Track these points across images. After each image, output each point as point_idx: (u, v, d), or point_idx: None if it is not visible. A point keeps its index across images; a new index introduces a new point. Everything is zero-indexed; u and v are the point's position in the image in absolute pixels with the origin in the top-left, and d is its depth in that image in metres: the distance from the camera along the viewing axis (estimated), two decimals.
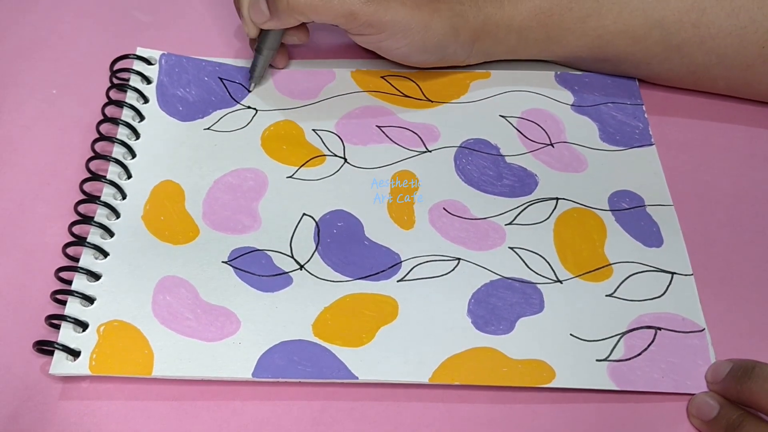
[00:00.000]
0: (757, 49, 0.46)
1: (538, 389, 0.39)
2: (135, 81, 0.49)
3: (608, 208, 0.45)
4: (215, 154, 0.47)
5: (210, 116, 0.48)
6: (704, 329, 0.41)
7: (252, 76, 0.49)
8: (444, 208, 0.45)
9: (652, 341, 0.40)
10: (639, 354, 0.40)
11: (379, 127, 0.48)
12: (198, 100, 0.49)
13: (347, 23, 0.45)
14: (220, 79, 0.50)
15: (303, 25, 0.49)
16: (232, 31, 0.54)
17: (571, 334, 0.40)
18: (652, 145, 0.48)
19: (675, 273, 0.43)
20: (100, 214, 0.43)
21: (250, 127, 0.48)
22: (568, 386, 0.39)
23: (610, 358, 0.40)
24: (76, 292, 0.40)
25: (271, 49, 0.49)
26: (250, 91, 0.50)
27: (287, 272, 0.42)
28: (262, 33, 0.48)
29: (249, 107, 0.49)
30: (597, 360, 0.39)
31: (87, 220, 0.42)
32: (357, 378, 0.38)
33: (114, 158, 0.45)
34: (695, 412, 0.38)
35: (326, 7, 0.44)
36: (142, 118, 0.47)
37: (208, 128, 0.48)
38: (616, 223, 0.45)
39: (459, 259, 0.43)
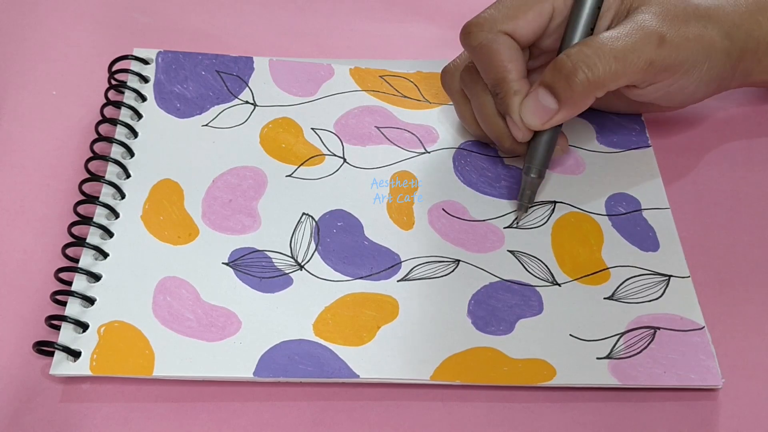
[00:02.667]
0: None
1: (538, 388, 0.39)
2: (132, 81, 0.48)
3: (605, 213, 0.46)
4: (214, 151, 0.46)
5: (208, 112, 0.48)
6: (704, 327, 0.41)
7: (521, 204, 0.44)
8: (443, 209, 0.45)
9: (652, 340, 0.40)
10: (639, 351, 0.40)
11: (377, 128, 0.48)
12: (196, 96, 0.49)
13: (644, 76, 0.41)
14: (218, 72, 0.50)
15: (563, 134, 0.45)
16: (232, 32, 0.54)
17: (570, 335, 0.41)
18: (649, 146, 0.49)
19: (672, 276, 0.43)
20: (99, 215, 0.43)
21: (249, 124, 0.48)
22: (569, 384, 0.39)
23: (610, 356, 0.40)
24: (77, 293, 0.40)
25: (545, 164, 0.43)
26: (517, 225, 0.44)
27: (287, 273, 0.42)
28: (531, 146, 0.43)
29: (247, 102, 0.49)
30: (597, 358, 0.40)
31: (86, 220, 0.42)
32: (358, 376, 0.39)
33: (112, 158, 0.45)
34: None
35: (625, 67, 0.40)
36: (140, 117, 0.47)
37: (206, 125, 0.48)
38: (612, 228, 0.45)
39: (458, 260, 0.43)
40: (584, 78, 0.40)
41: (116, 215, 0.43)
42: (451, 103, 0.48)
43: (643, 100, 0.44)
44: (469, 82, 0.44)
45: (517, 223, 0.45)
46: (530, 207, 0.45)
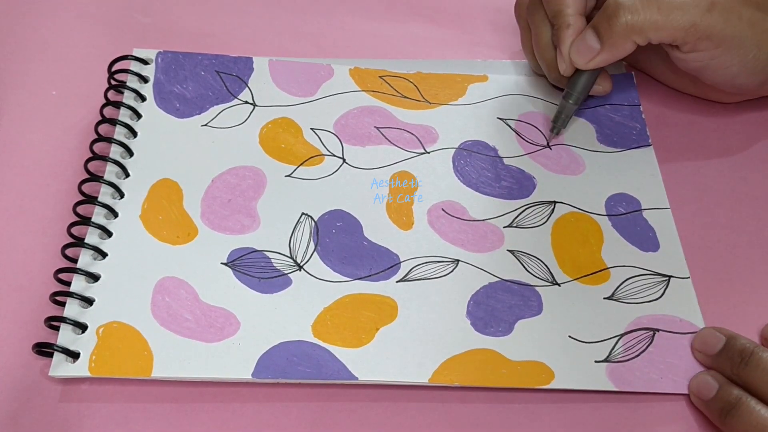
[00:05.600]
0: None
1: (537, 390, 0.39)
2: (132, 81, 0.48)
3: (605, 213, 0.45)
4: (213, 151, 0.46)
5: (207, 112, 0.48)
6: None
7: (555, 126, 0.48)
8: (443, 209, 0.45)
9: (651, 342, 0.40)
10: (637, 355, 0.40)
11: (377, 128, 0.48)
12: (195, 96, 0.49)
13: (686, 37, 0.42)
14: (217, 72, 0.50)
15: (607, 73, 0.47)
16: (232, 32, 0.54)
17: (569, 336, 0.40)
18: (649, 146, 0.49)
19: (672, 276, 0.43)
20: (98, 214, 0.43)
21: (248, 124, 0.48)
22: (566, 387, 0.39)
23: (608, 359, 0.40)
24: (75, 294, 0.40)
25: (583, 94, 0.46)
26: (548, 146, 0.48)
27: (286, 273, 0.42)
28: (574, 77, 0.46)
29: (246, 102, 0.49)
30: (596, 361, 0.40)
31: (86, 221, 0.42)
32: (357, 378, 0.39)
33: (111, 158, 0.45)
34: (695, 390, 0.39)
35: (667, 20, 0.41)
36: (139, 117, 0.47)
37: (206, 125, 0.48)
38: (612, 228, 0.45)
39: (458, 260, 0.43)
40: (624, 21, 0.42)
41: (115, 215, 0.43)
42: (451, 104, 0.49)
43: (684, 67, 0.45)
44: (532, 11, 0.48)
45: (548, 143, 0.48)
46: (561, 131, 0.48)
